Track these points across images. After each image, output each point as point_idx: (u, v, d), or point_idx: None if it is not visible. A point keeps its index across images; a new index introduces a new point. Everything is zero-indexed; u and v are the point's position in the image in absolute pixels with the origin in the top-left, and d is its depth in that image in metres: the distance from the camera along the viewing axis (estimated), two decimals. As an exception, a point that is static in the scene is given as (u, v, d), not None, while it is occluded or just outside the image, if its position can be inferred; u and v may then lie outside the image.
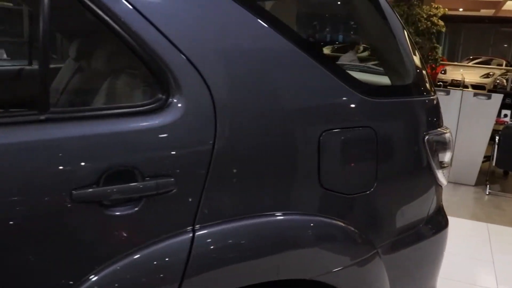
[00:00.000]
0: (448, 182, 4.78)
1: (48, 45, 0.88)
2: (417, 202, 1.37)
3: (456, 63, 15.38)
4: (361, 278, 1.24)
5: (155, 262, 0.95)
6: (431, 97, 1.40)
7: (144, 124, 0.93)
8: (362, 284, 1.24)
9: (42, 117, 0.86)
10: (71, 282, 0.89)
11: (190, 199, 0.96)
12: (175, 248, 0.96)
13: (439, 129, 1.40)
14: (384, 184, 1.23)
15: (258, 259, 1.06)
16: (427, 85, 1.41)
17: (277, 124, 1.06)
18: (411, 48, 1.38)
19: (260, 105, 1.04)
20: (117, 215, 0.91)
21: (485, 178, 4.76)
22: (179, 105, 0.95)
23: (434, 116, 1.41)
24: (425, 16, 8.16)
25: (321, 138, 1.11)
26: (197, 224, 0.98)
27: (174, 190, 0.94)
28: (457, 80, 10.32)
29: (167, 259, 0.96)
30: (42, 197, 0.85)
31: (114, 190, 0.90)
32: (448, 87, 7.74)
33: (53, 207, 0.86)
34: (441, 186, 1.45)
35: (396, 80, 1.40)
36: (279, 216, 1.09)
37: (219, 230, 1.01)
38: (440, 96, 4.76)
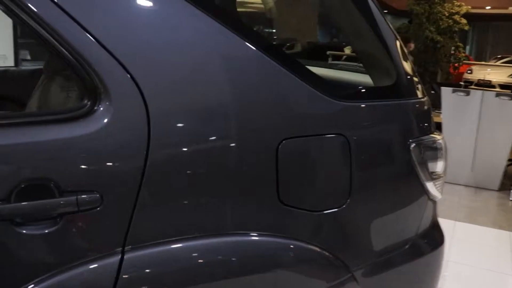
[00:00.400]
0: (470, 186, 4.54)
1: None
2: (402, 219, 1.21)
3: (482, 62, 14.85)
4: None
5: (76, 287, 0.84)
6: (419, 100, 1.24)
7: (64, 133, 0.82)
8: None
9: None
10: None
11: (119, 217, 0.85)
12: (99, 272, 0.85)
13: (429, 135, 1.24)
14: (359, 199, 1.08)
15: (198, 286, 0.93)
16: (414, 86, 1.25)
17: (225, 132, 0.93)
18: (395, 45, 1.22)
19: (204, 111, 0.91)
20: (33, 234, 0.80)
21: (510, 182, 4.49)
22: (107, 112, 0.83)
23: (422, 121, 1.24)
24: (446, 14, 7.87)
25: (279, 147, 0.97)
26: (128, 245, 0.86)
27: (100, 207, 0.83)
28: (483, 80, 9.94)
29: (89, 284, 0.85)
30: None
31: (27, 206, 0.79)
32: (474, 87, 7.42)
33: None
34: (433, 200, 1.29)
35: (377, 81, 1.24)
36: (228, 237, 0.95)
37: (154, 252, 0.88)
38: (460, 96, 4.53)
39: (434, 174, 1.23)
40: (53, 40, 0.80)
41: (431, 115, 1.29)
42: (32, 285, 0.81)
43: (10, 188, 0.78)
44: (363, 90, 1.21)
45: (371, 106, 1.12)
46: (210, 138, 0.92)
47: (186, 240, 0.91)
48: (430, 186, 1.22)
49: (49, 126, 0.82)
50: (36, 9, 0.79)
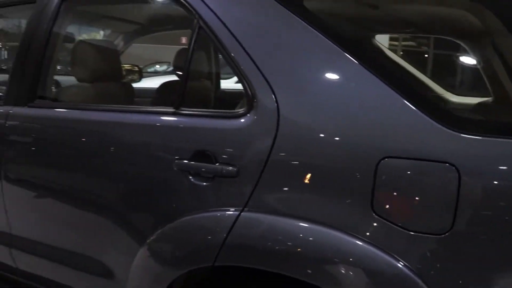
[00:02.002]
0: None
1: None
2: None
3: None
4: None
5: (204, 225, 1.30)
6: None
7: (227, 125, 1.28)
8: None
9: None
10: (159, 223, 1.36)
11: (246, 187, 1.22)
12: (221, 220, 1.25)
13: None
14: (463, 234, 1.04)
15: (289, 263, 1.19)
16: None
17: (333, 144, 1.16)
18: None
19: (319, 124, 1.19)
20: (196, 183, 1.30)
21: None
22: (254, 115, 1.23)
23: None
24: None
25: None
26: (246, 208, 1.22)
27: (236, 178, 1.23)
28: None
29: (211, 225, 1.28)
30: (160, 160, 1.38)
31: (197, 165, 1.29)
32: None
33: (162, 169, 1.36)
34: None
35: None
36: (321, 227, 1.15)
37: (262, 219, 1.21)
38: None
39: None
40: (236, 69, 1.28)
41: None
42: (184, 218, 1.30)
43: (192, 152, 1.29)
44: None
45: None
46: (316, 145, 1.17)
47: (292, 218, 1.18)
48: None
49: (220, 120, 1.30)
50: (233, 53, 1.29)
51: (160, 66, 10.67)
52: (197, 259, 1.32)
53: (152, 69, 10.47)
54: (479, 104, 1.91)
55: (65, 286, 1.71)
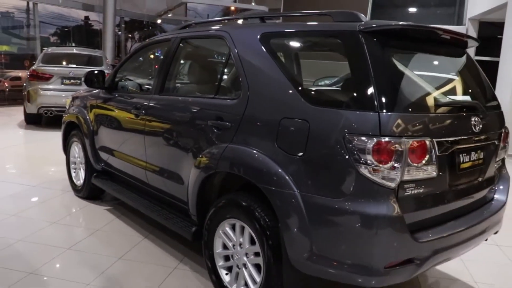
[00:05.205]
0: None
1: None
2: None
3: None
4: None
5: (213, 151, 2.78)
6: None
7: (228, 101, 2.61)
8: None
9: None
10: (200, 152, 2.71)
11: (232, 133, 2.71)
12: (220, 148, 2.66)
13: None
14: (310, 155, 2.17)
15: (245, 166, 2.41)
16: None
17: (265, 112, 2.40)
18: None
19: (262, 103, 2.44)
20: (216, 132, 2.66)
21: None
22: (239, 99, 2.53)
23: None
24: None
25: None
26: (231, 143, 2.69)
27: (229, 128, 2.67)
28: None
29: (217, 151, 2.73)
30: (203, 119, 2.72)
31: (218, 123, 2.64)
32: None
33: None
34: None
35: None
36: (258, 152, 2.42)
37: (236, 147, 2.51)
38: None
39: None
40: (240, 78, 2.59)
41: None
42: (208, 149, 2.88)
43: (215, 116, 2.67)
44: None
45: None
46: (261, 113, 2.42)
47: (249, 147, 2.50)
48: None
49: (228, 101, 2.65)
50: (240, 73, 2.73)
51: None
52: (211, 168, 2.61)
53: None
54: (326, 90, 2.77)
55: (162, 191, 3.24)
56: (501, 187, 2.80)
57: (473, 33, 13.09)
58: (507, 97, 8.78)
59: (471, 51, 13.08)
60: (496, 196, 2.74)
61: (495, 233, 2.71)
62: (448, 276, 3.22)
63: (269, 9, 16.79)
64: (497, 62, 9.77)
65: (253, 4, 17.65)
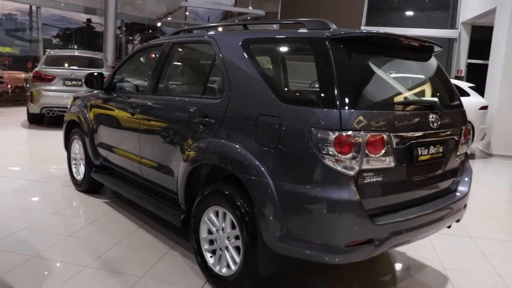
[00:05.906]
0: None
1: None
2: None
3: None
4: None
5: (200, 145, 3.17)
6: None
7: (216, 100, 2.91)
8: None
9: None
10: (188, 146, 3.18)
11: (216, 128, 2.94)
12: (205, 142, 3.07)
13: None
14: (281, 148, 2.45)
15: (226, 158, 2.63)
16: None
17: (244, 109, 2.74)
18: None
19: (242, 101, 2.76)
20: (202, 128, 2.93)
21: None
22: (222, 98, 3.01)
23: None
24: None
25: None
26: (214, 138, 2.90)
27: (213, 125, 2.97)
28: None
29: (203, 145, 3.11)
30: (191, 117, 3.04)
31: (204, 120, 3.09)
32: None
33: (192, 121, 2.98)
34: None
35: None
36: (239, 147, 2.73)
37: (219, 142, 2.91)
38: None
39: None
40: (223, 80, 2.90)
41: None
42: (196, 143, 3.28)
43: (202, 114, 2.95)
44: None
45: None
46: (240, 110, 2.70)
47: (231, 142, 2.80)
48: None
49: (212, 100, 2.89)
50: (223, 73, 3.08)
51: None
52: (197, 161, 2.88)
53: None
54: (296, 90, 2.99)
55: (155, 183, 3.52)
56: (465, 179, 3.06)
57: (465, 36, 13.37)
58: (496, 98, 9.04)
59: (463, 54, 13.39)
60: (458, 187, 3.01)
61: (457, 221, 2.97)
62: (419, 263, 3.48)
63: (266, 13, 17.08)
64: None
65: (250, 8, 17.96)
